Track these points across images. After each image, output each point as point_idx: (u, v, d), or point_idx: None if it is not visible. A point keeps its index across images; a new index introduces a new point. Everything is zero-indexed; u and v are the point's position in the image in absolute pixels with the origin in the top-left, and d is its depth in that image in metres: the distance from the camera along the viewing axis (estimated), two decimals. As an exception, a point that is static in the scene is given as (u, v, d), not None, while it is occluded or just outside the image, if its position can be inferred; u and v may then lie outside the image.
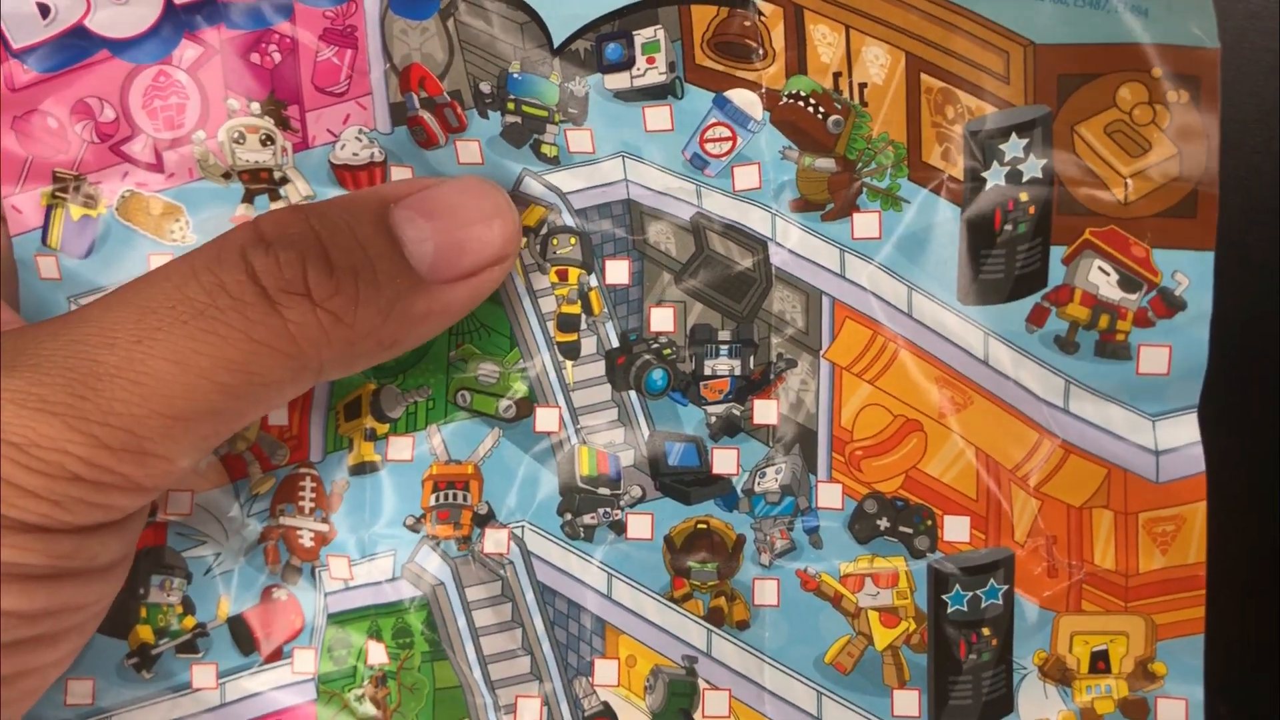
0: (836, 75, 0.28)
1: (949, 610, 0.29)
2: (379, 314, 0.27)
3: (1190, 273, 0.27)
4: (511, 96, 0.30)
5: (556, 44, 0.29)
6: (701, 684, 0.30)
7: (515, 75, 0.30)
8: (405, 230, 0.27)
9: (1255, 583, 0.31)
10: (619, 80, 0.29)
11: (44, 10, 0.30)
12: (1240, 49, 0.29)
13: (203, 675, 0.32)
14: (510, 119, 0.30)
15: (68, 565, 0.26)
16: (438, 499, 0.31)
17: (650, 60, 0.29)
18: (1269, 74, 0.30)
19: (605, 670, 0.31)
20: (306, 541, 0.32)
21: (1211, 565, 0.28)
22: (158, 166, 0.32)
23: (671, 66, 0.29)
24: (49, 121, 0.31)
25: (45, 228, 0.32)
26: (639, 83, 0.29)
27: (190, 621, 0.32)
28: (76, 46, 0.30)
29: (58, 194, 0.32)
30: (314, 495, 0.32)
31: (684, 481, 0.30)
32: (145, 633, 0.32)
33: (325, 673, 0.32)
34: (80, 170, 0.32)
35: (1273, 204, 0.30)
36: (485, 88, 0.30)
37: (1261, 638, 0.31)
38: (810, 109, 0.29)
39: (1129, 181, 0.27)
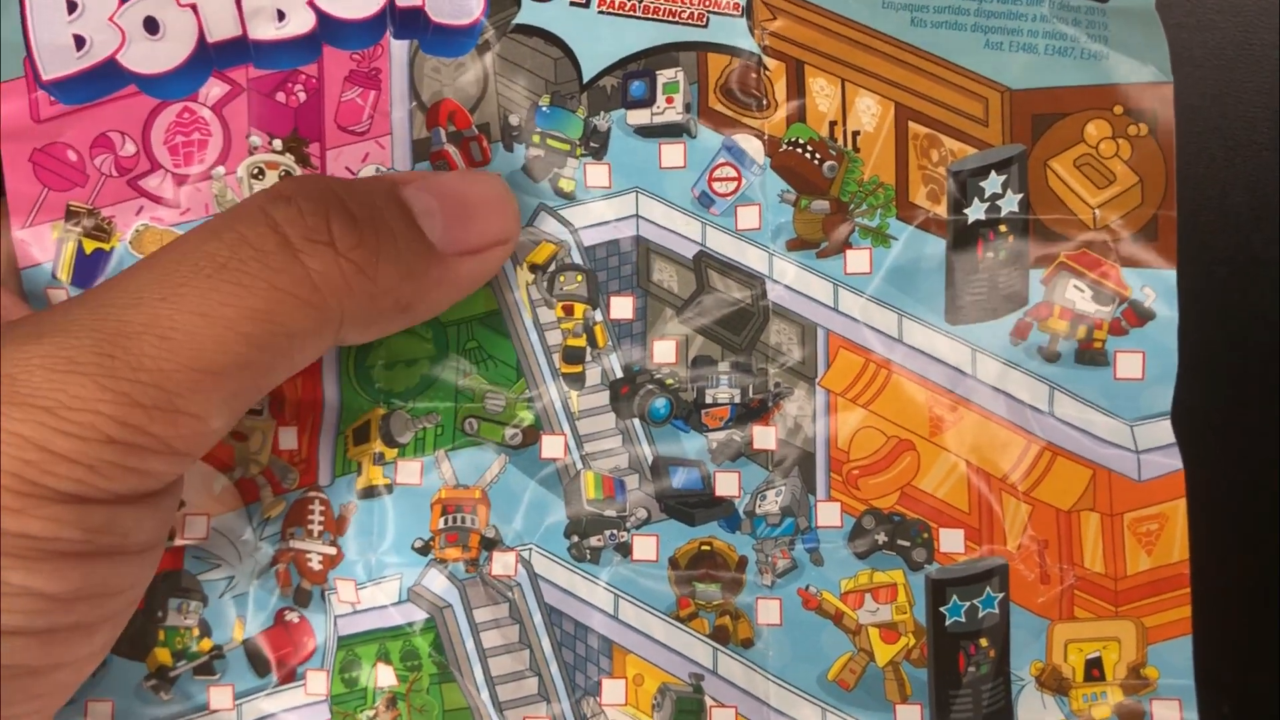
0: (832, 124, 0.31)
1: (947, 622, 0.30)
2: (398, 271, 0.27)
3: (1156, 288, 0.30)
4: (538, 129, 0.32)
5: (586, 79, 0.31)
6: (708, 701, 0.31)
7: (544, 108, 0.32)
8: (415, 204, 0.28)
9: (1242, 579, 0.32)
10: (640, 116, 0.32)
11: (79, 42, 0.31)
12: (1248, 46, 0.32)
13: (220, 697, 0.31)
14: (534, 152, 0.32)
15: (102, 541, 0.25)
16: (446, 522, 0.32)
17: (669, 100, 0.31)
18: (1272, 73, 0.33)
19: (613, 689, 0.31)
20: (315, 565, 0.32)
21: (1195, 564, 0.29)
22: (174, 201, 0.32)
23: (688, 107, 0.31)
24: (69, 154, 0.32)
25: (56, 261, 0.32)
26: (658, 119, 0.31)
27: (207, 644, 0.32)
28: (105, 80, 0.32)
29: (69, 228, 0.32)
30: (322, 519, 0.32)
31: (688, 504, 0.31)
32: (164, 655, 0.32)
33: (338, 694, 0.31)
34: (95, 204, 0.32)
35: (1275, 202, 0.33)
36: (514, 120, 0.32)
37: (1256, 635, 0.32)
38: (808, 155, 0.31)
39: (1096, 211, 0.30)
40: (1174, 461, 0.30)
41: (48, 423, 0.24)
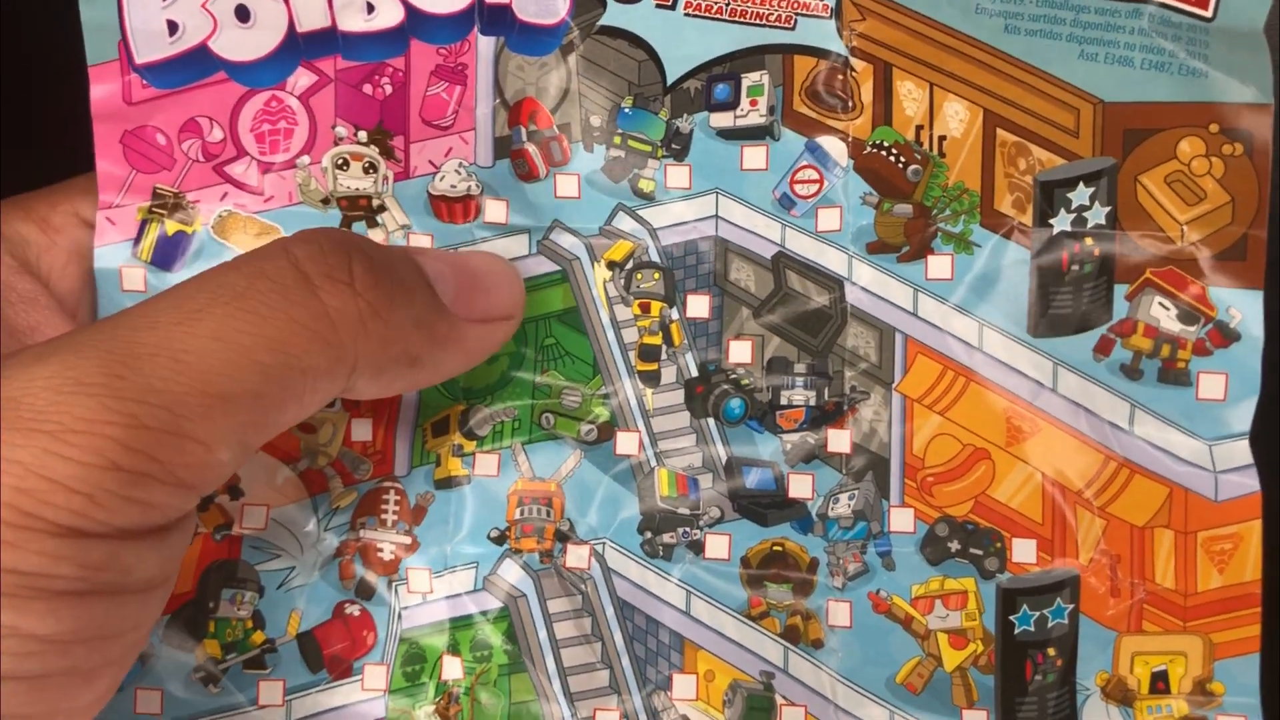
0: (919, 128, 0.31)
1: (1016, 631, 0.31)
2: (410, 320, 0.28)
3: (1243, 308, 0.30)
4: (619, 130, 0.32)
5: (670, 81, 0.31)
6: (779, 700, 0.31)
7: (626, 110, 0.32)
8: (428, 267, 0.29)
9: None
10: (723, 119, 0.31)
11: (172, 27, 0.31)
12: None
13: (269, 692, 0.32)
14: (614, 153, 0.32)
15: (100, 579, 0.24)
16: (522, 512, 0.32)
17: (753, 102, 0.31)
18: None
19: (684, 685, 0.31)
20: (387, 555, 0.32)
21: (1267, 583, 0.30)
22: (258, 189, 0.33)
23: (772, 110, 0.31)
24: (158, 138, 0.32)
25: (138, 240, 0.33)
26: (741, 123, 0.31)
27: (259, 637, 0.32)
28: (196, 66, 0.32)
29: (155, 209, 0.33)
30: (397, 508, 0.32)
31: (761, 504, 0.32)
32: (213, 647, 0.32)
33: (397, 688, 0.32)
34: (181, 189, 0.33)
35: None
36: (596, 121, 0.32)
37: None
38: (891, 158, 0.31)
39: (1185, 227, 0.30)
40: (1251, 482, 0.30)
41: (49, 447, 0.23)
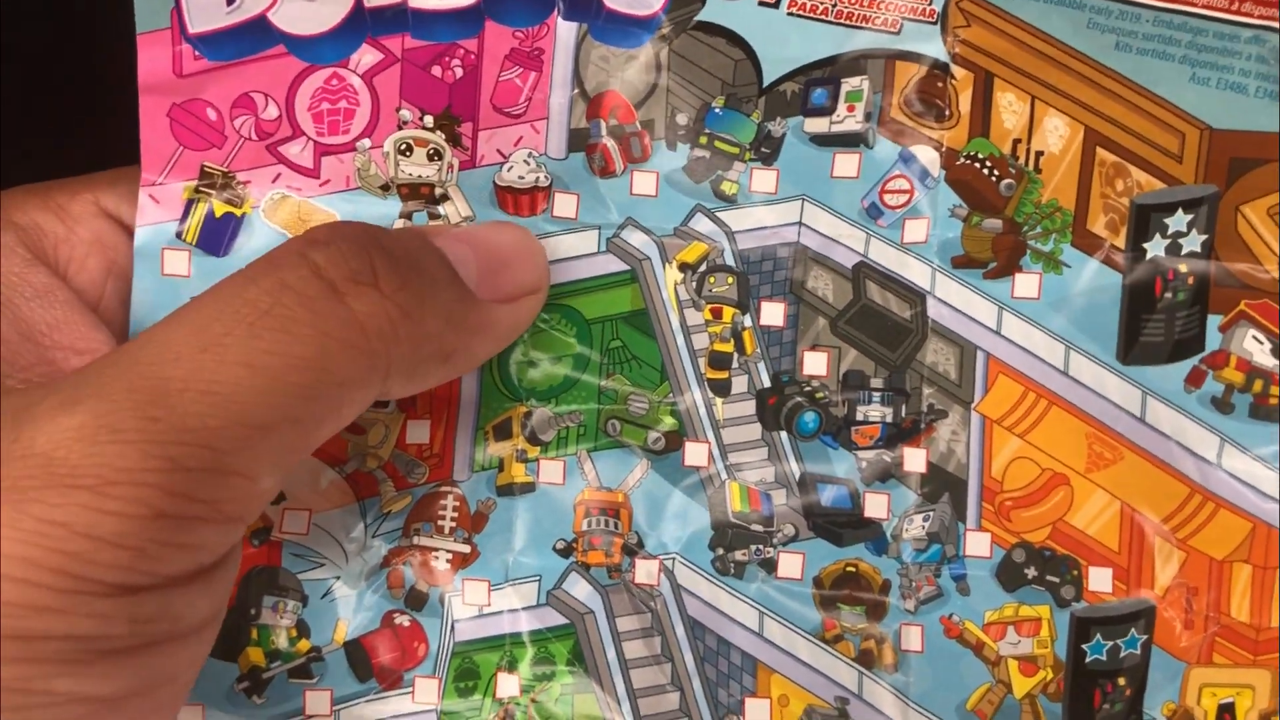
0: (1016, 141, 0.30)
1: (1088, 660, 0.30)
2: (441, 317, 0.27)
3: (1337, 347, 0.30)
4: (707, 130, 0.30)
5: (766, 83, 0.30)
6: (853, 725, 0.31)
7: (717, 110, 0.30)
8: (450, 251, 0.28)
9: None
10: (818, 124, 0.30)
11: (231, -3, 0.29)
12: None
13: (316, 701, 0.31)
14: (699, 153, 0.30)
15: (152, 631, 0.23)
16: (590, 524, 0.31)
17: (850, 108, 0.30)
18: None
19: (757, 709, 0.31)
20: (442, 564, 0.31)
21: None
22: (314, 171, 0.31)
23: (869, 117, 0.30)
24: (208, 113, 0.30)
25: (183, 221, 0.30)
26: (836, 129, 0.30)
27: (305, 645, 0.31)
28: (253, 38, 0.30)
29: (202, 189, 0.30)
30: (456, 514, 0.31)
31: (836, 523, 0.31)
32: (256, 655, 0.31)
33: (449, 704, 0.31)
34: (231, 168, 0.30)
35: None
36: (682, 119, 0.30)
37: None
38: (985, 171, 0.30)
39: (1283, 261, 0.30)
40: (1334, 523, 0.30)
41: (91, 504, 0.22)
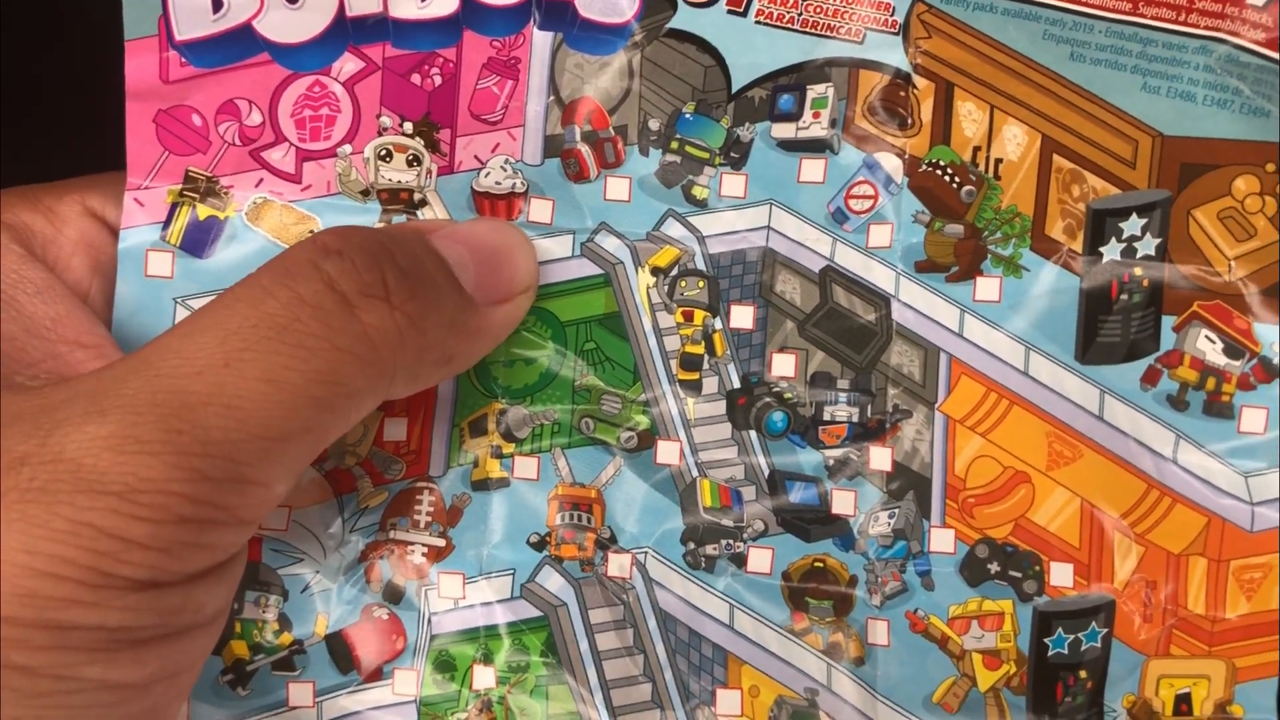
0: (976, 149, 0.31)
1: (1050, 653, 0.31)
2: (443, 324, 0.28)
3: (1286, 346, 0.31)
4: (678, 135, 0.31)
5: (735, 89, 0.31)
6: (823, 717, 0.31)
7: (687, 115, 0.31)
8: (449, 254, 0.29)
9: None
10: (785, 130, 0.31)
11: (216, 5, 0.30)
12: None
13: (299, 693, 0.31)
14: (670, 158, 0.31)
15: (177, 622, 0.25)
16: (564, 519, 0.32)
17: (816, 115, 0.31)
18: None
19: (728, 700, 0.31)
20: (418, 557, 0.32)
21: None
22: (295, 177, 0.32)
23: (834, 123, 0.31)
24: (194, 118, 0.31)
25: (167, 224, 0.31)
26: (802, 134, 0.31)
27: (287, 638, 0.31)
28: (238, 46, 0.31)
29: (186, 193, 0.31)
30: (432, 509, 0.32)
31: (804, 519, 0.32)
32: (240, 648, 0.31)
33: (428, 695, 0.31)
34: (215, 172, 0.31)
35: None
36: (654, 124, 0.31)
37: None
38: (947, 178, 0.31)
39: (1233, 263, 0.30)
40: (1286, 516, 0.31)
41: (119, 509, 0.23)
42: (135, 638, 0.24)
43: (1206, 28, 0.30)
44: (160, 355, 0.25)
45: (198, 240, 0.32)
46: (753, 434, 0.32)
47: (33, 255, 0.30)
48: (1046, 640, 0.31)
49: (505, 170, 0.32)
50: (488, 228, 0.31)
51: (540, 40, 0.31)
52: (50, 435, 0.24)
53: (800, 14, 0.30)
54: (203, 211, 0.31)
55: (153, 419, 0.24)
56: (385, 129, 0.32)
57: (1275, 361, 0.30)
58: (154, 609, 0.24)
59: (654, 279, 0.32)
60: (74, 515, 0.23)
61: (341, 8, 0.30)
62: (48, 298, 0.30)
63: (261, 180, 0.32)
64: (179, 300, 0.31)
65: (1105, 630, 0.31)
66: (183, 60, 0.30)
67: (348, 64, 0.31)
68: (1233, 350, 0.31)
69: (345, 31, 0.31)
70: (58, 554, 0.23)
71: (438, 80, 0.31)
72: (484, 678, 0.31)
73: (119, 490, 0.23)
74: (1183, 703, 0.31)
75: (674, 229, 0.32)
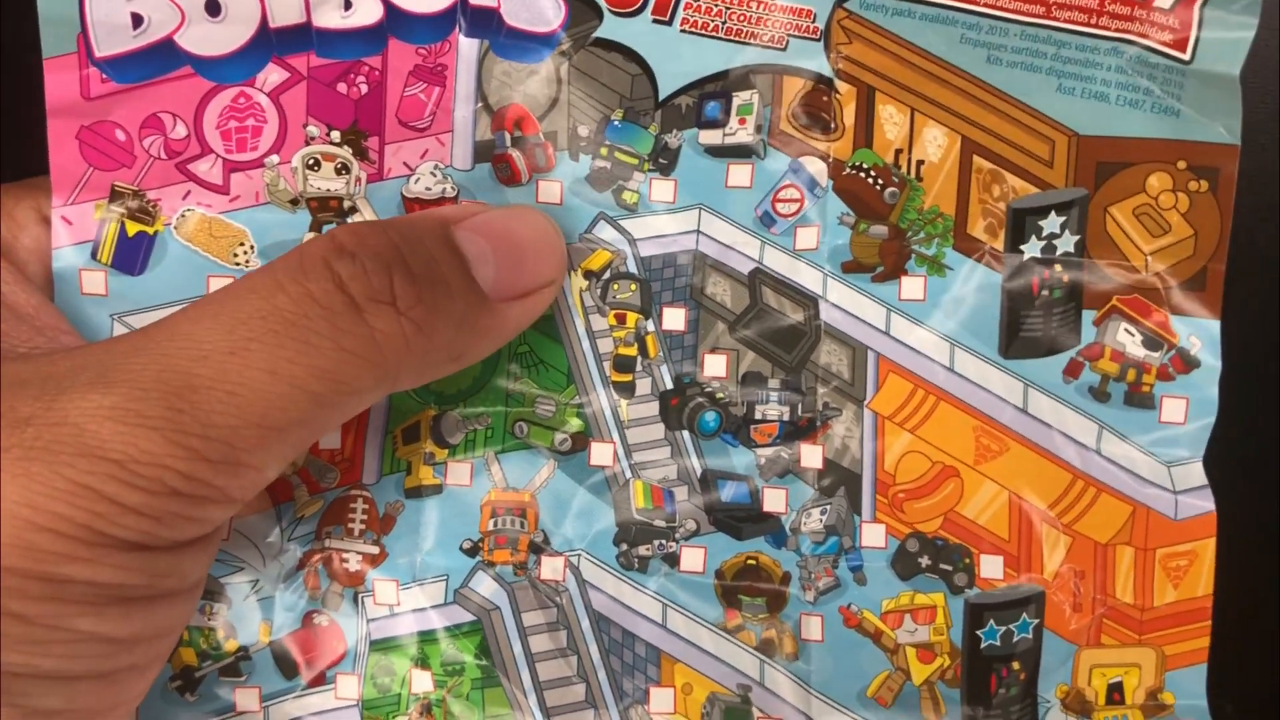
0: (898, 151, 0.32)
1: (982, 645, 0.32)
2: (453, 326, 0.28)
3: (1201, 337, 0.31)
4: (607, 142, 0.32)
5: (662, 97, 0.31)
6: (756, 713, 0.31)
7: (616, 122, 0.31)
8: (469, 248, 0.29)
9: (1260, 612, 0.34)
10: (712, 136, 0.31)
11: (136, 20, 0.30)
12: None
13: (246, 698, 0.31)
14: (600, 164, 0.32)
15: (163, 585, 0.26)
16: (496, 524, 0.32)
17: (742, 121, 0.31)
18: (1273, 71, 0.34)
19: (661, 698, 0.31)
20: (353, 565, 0.32)
21: (1217, 598, 0.31)
22: (223, 188, 0.32)
23: (759, 129, 0.31)
24: (117, 134, 0.31)
25: (97, 242, 0.31)
26: (729, 140, 0.31)
27: (233, 645, 0.31)
28: (161, 60, 0.31)
29: (113, 208, 0.31)
30: (365, 517, 0.32)
31: (736, 518, 0.32)
32: (188, 655, 0.31)
33: (369, 699, 0.31)
34: (141, 186, 0.31)
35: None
36: (583, 131, 0.31)
37: (1264, 644, 0.35)
38: (870, 180, 0.32)
39: (1149, 258, 0.31)
40: (1207, 504, 0.31)
41: (117, 475, 0.24)
42: (124, 595, 0.25)
43: (1117, 30, 0.30)
44: (168, 335, 0.26)
45: (129, 257, 0.31)
46: (685, 434, 0.32)
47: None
48: (979, 632, 0.32)
49: (435, 176, 0.32)
50: (515, 217, 0.30)
51: (467, 47, 0.31)
52: (56, 399, 0.25)
53: (724, 22, 0.31)
54: (131, 227, 0.31)
55: (156, 395, 0.25)
56: (312, 138, 0.32)
57: (1192, 353, 0.31)
58: (143, 570, 0.25)
59: (586, 282, 0.32)
60: (74, 476, 0.24)
61: (264, 19, 0.31)
62: (25, 289, 0.30)
63: (189, 192, 0.32)
64: (116, 317, 0.31)
65: (1036, 621, 0.32)
66: (104, 76, 0.30)
67: (272, 74, 0.31)
68: (1151, 342, 0.31)
69: (269, 42, 0.31)
70: (57, 511, 0.24)
71: (364, 88, 0.31)
72: (422, 682, 0.31)
73: (118, 459, 0.24)
74: (1115, 691, 0.32)
75: (606, 232, 0.32)
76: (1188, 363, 0.31)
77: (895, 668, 0.32)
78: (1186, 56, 0.30)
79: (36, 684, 0.24)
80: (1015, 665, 0.32)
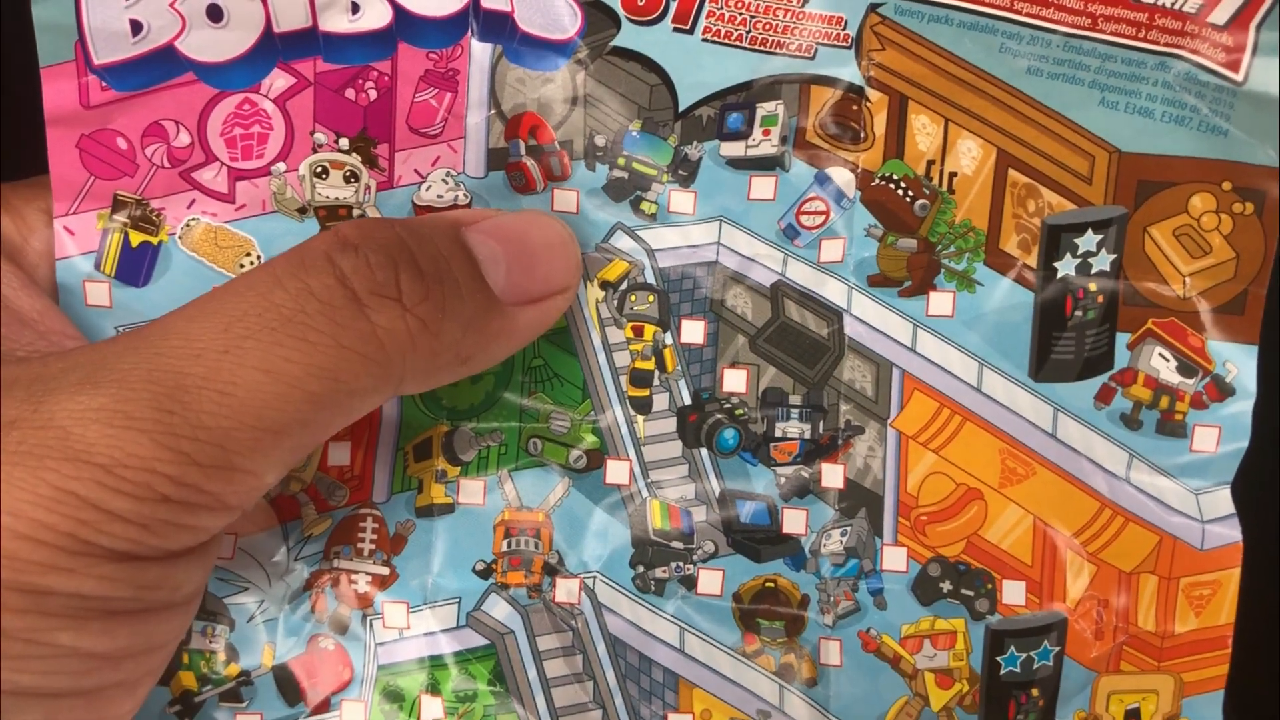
0: (930, 163, 0.30)
1: (1002, 671, 0.31)
2: (461, 326, 0.27)
3: (1238, 363, 0.30)
4: (625, 152, 0.30)
5: (682, 108, 0.30)
6: (773, 738, 0.31)
7: (634, 133, 0.30)
8: (480, 250, 0.28)
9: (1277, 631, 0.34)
10: (734, 148, 0.30)
11: (136, 27, 0.29)
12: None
13: None
14: (617, 174, 0.30)
15: (152, 597, 0.25)
16: (509, 544, 0.31)
17: (766, 132, 0.30)
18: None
19: (679, 724, 0.31)
20: (362, 586, 0.31)
21: (1239, 625, 0.31)
22: (229, 196, 0.30)
23: (784, 140, 0.30)
24: (119, 142, 0.30)
25: (100, 253, 0.30)
26: (752, 152, 0.30)
27: (234, 669, 0.31)
28: (162, 67, 0.29)
29: (116, 218, 0.30)
30: (375, 537, 0.31)
31: (755, 539, 0.31)
32: (188, 679, 0.31)
33: (377, 725, 0.31)
34: (144, 195, 0.30)
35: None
36: (600, 141, 0.30)
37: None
38: (900, 192, 0.30)
39: (1188, 279, 0.30)
40: (1234, 533, 0.30)
41: (104, 481, 0.23)
42: (109, 608, 0.24)
43: (1166, 45, 0.29)
44: (161, 335, 0.25)
45: (133, 268, 0.31)
46: (703, 452, 0.31)
47: (9, 257, 0.30)
48: (999, 659, 0.31)
49: (447, 183, 0.31)
50: (529, 222, 0.29)
51: (479, 52, 0.30)
52: (42, 402, 0.24)
53: (749, 31, 0.29)
54: (135, 238, 0.30)
55: (145, 396, 0.24)
56: (320, 145, 0.30)
57: (1228, 380, 0.30)
58: (130, 581, 0.24)
59: (603, 293, 0.31)
60: (58, 482, 0.23)
61: (268, 24, 0.29)
62: (29, 293, 0.29)
63: (194, 201, 0.30)
64: (121, 328, 0.30)
65: (1057, 649, 0.31)
66: (103, 84, 0.29)
67: (278, 80, 0.30)
68: (1186, 368, 0.30)
69: (274, 48, 0.29)
70: (39, 519, 0.23)
71: (373, 94, 0.30)
72: (432, 708, 0.31)
73: (104, 463, 0.23)
74: (1132, 717, 0.31)
75: (623, 242, 0.31)
76: (1223, 390, 0.30)
77: (914, 693, 0.31)
78: (1239, 77, 0.28)
79: (15, 701, 0.23)
80: (1034, 692, 0.31)
